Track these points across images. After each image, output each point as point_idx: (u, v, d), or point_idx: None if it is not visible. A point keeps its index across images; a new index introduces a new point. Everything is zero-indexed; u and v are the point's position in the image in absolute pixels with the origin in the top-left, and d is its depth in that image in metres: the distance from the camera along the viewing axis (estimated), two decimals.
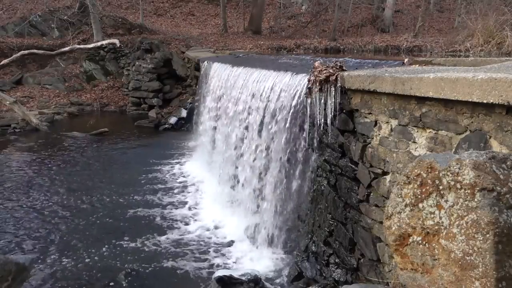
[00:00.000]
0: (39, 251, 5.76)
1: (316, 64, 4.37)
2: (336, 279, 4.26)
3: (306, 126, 4.93)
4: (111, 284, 5.03)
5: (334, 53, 14.81)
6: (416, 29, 17.44)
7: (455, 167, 1.74)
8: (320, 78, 4.12)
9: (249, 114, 6.51)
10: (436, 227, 1.79)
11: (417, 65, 4.28)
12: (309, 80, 4.35)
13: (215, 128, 8.51)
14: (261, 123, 6.04)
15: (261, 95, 6.05)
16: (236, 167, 7.04)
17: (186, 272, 5.35)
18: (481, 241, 1.61)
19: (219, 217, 6.84)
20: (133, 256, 5.66)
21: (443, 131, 2.82)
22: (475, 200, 1.66)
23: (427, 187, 1.84)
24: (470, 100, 2.44)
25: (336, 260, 4.34)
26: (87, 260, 5.54)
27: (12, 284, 2.62)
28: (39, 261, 5.47)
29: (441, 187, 1.78)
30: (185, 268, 5.44)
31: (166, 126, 12.84)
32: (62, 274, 5.21)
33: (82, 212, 7.00)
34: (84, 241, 6.04)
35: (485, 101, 2.34)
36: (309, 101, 4.46)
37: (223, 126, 7.81)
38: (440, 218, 1.78)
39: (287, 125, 5.32)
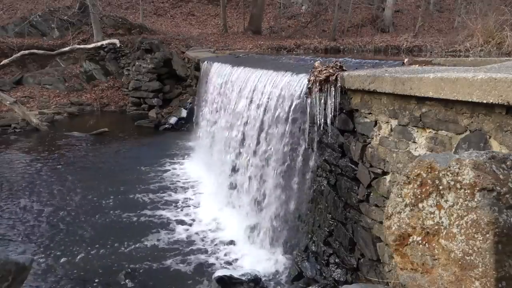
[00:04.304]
0: (39, 251, 5.76)
1: (316, 64, 4.37)
2: (336, 279, 4.26)
3: (306, 126, 4.93)
4: (111, 284, 5.03)
5: (334, 53, 14.82)
6: (416, 29, 17.45)
7: (455, 167, 1.74)
8: (320, 78, 4.12)
9: (249, 113, 6.50)
10: (436, 227, 1.79)
11: (417, 65, 4.28)
12: (309, 80, 4.35)
13: (215, 127, 8.51)
14: (261, 122, 6.04)
15: (261, 95, 6.05)
16: (236, 167, 7.04)
17: (186, 272, 5.36)
18: (481, 241, 1.61)
19: (219, 217, 6.84)
20: (133, 256, 5.67)
21: (443, 131, 2.82)
22: (475, 200, 1.66)
23: (427, 187, 1.84)
24: (470, 100, 2.44)
25: (336, 260, 4.34)
26: (87, 260, 5.54)
27: (12, 284, 2.62)
28: (39, 261, 5.47)
29: (441, 187, 1.78)
30: (185, 268, 5.44)
31: (166, 126, 12.83)
32: (62, 274, 5.22)
33: (82, 212, 7.00)
34: (84, 241, 6.04)
35: (485, 101, 2.34)
36: (309, 101, 4.46)
37: (223, 126, 7.81)
38: (440, 218, 1.78)
39: (287, 125, 5.32)
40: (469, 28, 10.16)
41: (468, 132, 2.62)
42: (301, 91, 4.95)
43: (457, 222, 1.70)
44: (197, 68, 11.63)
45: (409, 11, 23.69)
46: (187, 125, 12.42)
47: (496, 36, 8.53)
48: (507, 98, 2.21)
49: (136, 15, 21.08)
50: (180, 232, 6.40)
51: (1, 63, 14.68)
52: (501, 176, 1.68)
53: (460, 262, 1.68)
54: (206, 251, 5.87)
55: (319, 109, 4.28)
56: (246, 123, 6.62)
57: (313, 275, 4.66)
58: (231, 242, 6.08)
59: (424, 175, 1.86)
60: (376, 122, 3.62)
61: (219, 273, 4.55)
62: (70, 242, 6.02)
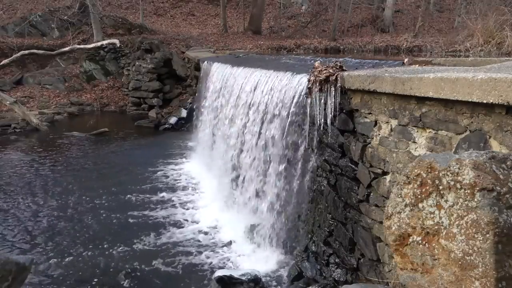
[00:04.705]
0: (39, 251, 5.76)
1: (316, 64, 4.37)
2: (336, 279, 4.26)
3: (306, 126, 4.93)
4: (111, 284, 5.03)
5: (334, 53, 14.83)
6: (416, 29, 17.46)
7: (455, 167, 1.74)
8: (320, 78, 4.12)
9: (249, 113, 6.50)
10: (436, 227, 1.79)
11: (417, 65, 4.28)
12: (309, 80, 4.35)
13: (215, 127, 8.51)
14: (261, 123, 6.05)
15: (261, 95, 6.05)
16: (236, 167, 7.04)
17: (186, 272, 5.35)
18: (481, 241, 1.61)
19: (219, 217, 6.84)
20: (133, 256, 5.66)
21: (443, 131, 2.82)
22: (475, 200, 1.66)
23: (427, 187, 1.84)
24: (470, 100, 2.44)
25: (336, 260, 4.34)
26: (87, 260, 5.54)
27: (12, 284, 2.62)
28: (39, 261, 5.46)
29: (441, 187, 1.78)
30: (185, 268, 5.44)
31: (166, 126, 12.84)
32: (62, 274, 5.21)
33: (82, 212, 6.99)
34: (84, 241, 6.04)
35: (485, 101, 2.34)
36: (309, 101, 4.46)
37: (223, 126, 7.81)
38: (440, 218, 1.78)
39: (287, 125, 5.32)
40: (469, 28, 10.17)
41: (468, 132, 2.62)
42: (301, 91, 4.95)
43: (457, 222, 1.70)
44: (197, 68, 11.64)
45: (409, 11, 23.69)
46: (187, 125, 12.42)
47: (496, 36, 8.53)
48: (507, 98, 2.21)
49: (136, 15, 21.09)
50: (180, 232, 6.39)
51: (1, 63, 14.69)
52: (501, 176, 1.68)
53: (460, 262, 1.68)
54: (206, 251, 5.86)
55: (319, 109, 4.28)
56: (246, 122, 6.62)
57: (313, 275, 4.66)
58: (231, 242, 6.08)
59: (424, 175, 1.86)
60: (376, 122, 3.62)
61: (219, 273, 4.54)
62: (70, 242, 6.02)
